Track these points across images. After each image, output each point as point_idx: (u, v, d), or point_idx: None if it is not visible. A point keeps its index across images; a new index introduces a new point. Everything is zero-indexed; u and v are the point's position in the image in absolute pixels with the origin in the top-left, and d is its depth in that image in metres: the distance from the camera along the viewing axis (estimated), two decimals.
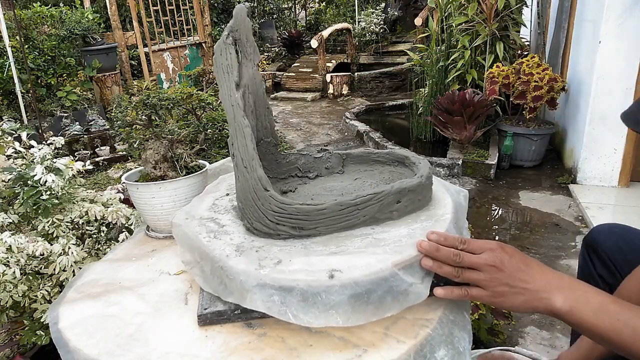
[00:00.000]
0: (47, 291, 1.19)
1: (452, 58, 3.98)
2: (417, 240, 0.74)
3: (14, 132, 1.44)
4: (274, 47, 9.13)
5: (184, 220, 0.93)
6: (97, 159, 4.23)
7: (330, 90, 6.94)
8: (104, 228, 1.41)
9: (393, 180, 0.98)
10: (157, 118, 1.30)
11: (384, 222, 0.84)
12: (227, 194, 1.04)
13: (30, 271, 1.20)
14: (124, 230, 1.39)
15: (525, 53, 3.91)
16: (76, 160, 1.40)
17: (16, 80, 4.04)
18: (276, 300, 0.70)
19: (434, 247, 0.72)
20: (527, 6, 3.92)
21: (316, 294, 0.68)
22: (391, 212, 0.85)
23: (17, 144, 1.40)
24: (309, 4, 11.17)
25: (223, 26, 7.55)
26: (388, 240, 0.78)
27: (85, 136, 4.41)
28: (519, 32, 3.93)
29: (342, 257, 0.73)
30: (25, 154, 1.39)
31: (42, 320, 1.18)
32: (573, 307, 0.68)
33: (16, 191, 1.23)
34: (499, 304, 0.72)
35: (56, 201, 1.22)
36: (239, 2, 8.65)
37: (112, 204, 1.41)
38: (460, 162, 3.42)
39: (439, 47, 4.23)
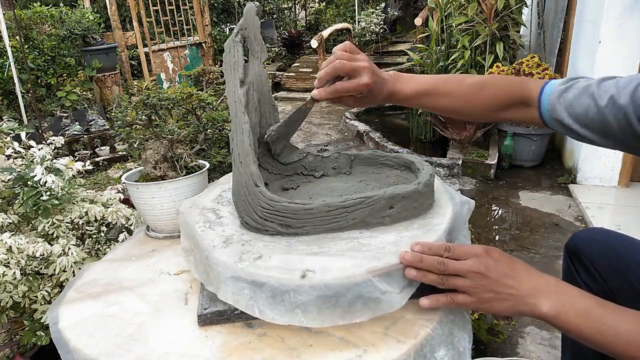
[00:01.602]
0: (47, 292, 1.19)
1: (452, 58, 3.98)
2: (400, 251, 0.72)
3: (12, 132, 1.44)
4: (274, 47, 9.12)
5: (187, 208, 0.96)
6: (97, 159, 4.23)
7: None
8: (104, 228, 1.41)
9: (397, 185, 0.98)
10: (157, 118, 1.30)
11: (374, 227, 0.83)
12: None
13: (30, 272, 1.20)
14: (123, 230, 1.39)
15: (525, 53, 3.91)
16: (76, 161, 1.40)
17: (16, 80, 4.04)
18: (245, 294, 0.71)
19: (418, 258, 0.71)
20: (527, 6, 3.92)
21: (285, 292, 0.69)
22: (383, 218, 0.83)
23: (16, 144, 1.40)
24: (309, 4, 11.17)
25: (223, 26, 7.56)
26: (371, 246, 0.77)
27: (85, 136, 4.41)
28: (519, 32, 3.93)
29: (319, 258, 0.73)
30: (25, 154, 1.39)
31: (42, 320, 1.18)
32: (559, 312, 0.69)
33: (16, 191, 1.23)
34: (485, 310, 0.72)
35: (56, 202, 1.22)
36: (239, 2, 8.67)
37: (112, 204, 1.41)
38: (460, 162, 3.42)
39: (439, 47, 4.22)
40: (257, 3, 0.97)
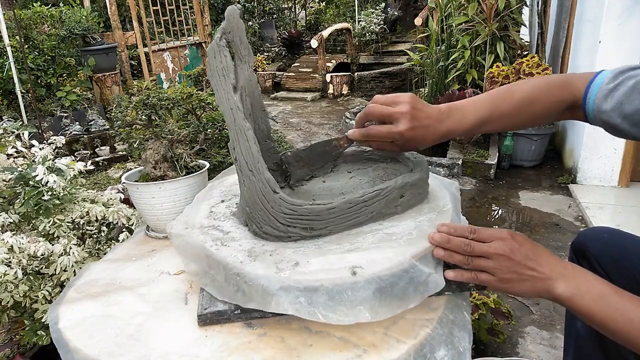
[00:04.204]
0: (47, 291, 1.19)
1: (452, 58, 3.98)
2: (429, 233, 0.77)
3: (15, 131, 1.44)
4: (274, 47, 9.13)
5: (184, 230, 0.90)
6: (97, 159, 4.23)
7: (330, 90, 6.94)
8: (104, 228, 1.41)
9: (388, 176, 0.99)
10: (157, 118, 1.30)
11: (389, 217, 0.86)
12: (222, 201, 1.02)
13: (31, 271, 1.20)
14: (124, 230, 1.39)
15: (525, 53, 3.91)
16: (76, 161, 1.40)
17: (16, 80, 4.04)
18: (303, 302, 0.70)
19: (446, 239, 0.75)
20: (527, 6, 3.92)
21: (342, 292, 0.69)
22: (396, 207, 0.87)
23: (18, 143, 1.40)
24: (309, 4, 11.17)
25: None
26: (398, 234, 0.79)
27: (85, 136, 4.41)
28: (519, 32, 3.93)
29: (359, 254, 0.74)
30: (26, 154, 1.39)
31: (42, 320, 1.18)
32: (574, 295, 0.71)
33: (17, 191, 1.23)
34: (506, 289, 0.75)
35: (57, 201, 1.22)
36: (239, 2, 8.67)
37: (112, 204, 1.41)
38: (460, 162, 3.42)
39: (439, 47, 4.23)
40: (239, 5, 0.95)
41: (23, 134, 1.45)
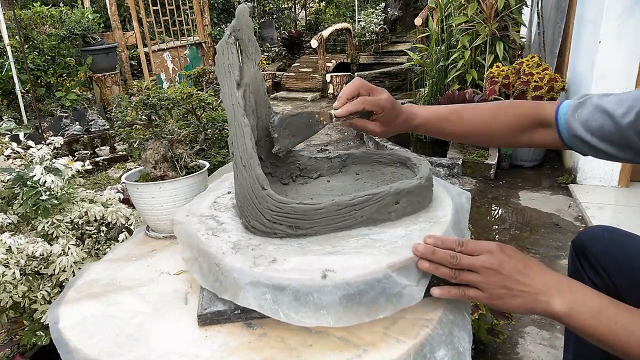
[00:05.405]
0: (47, 291, 1.19)
1: (452, 58, 3.98)
2: (413, 243, 0.73)
3: (9, 132, 1.44)
4: (274, 47, 9.12)
5: (184, 217, 0.94)
6: (97, 159, 4.23)
7: (330, 90, 6.94)
8: (103, 228, 1.41)
9: (394, 181, 0.98)
10: (157, 118, 1.30)
11: (381, 223, 0.84)
12: (229, 192, 1.04)
13: (30, 272, 1.20)
14: (123, 230, 1.39)
15: (519, 53, 3.91)
16: (76, 160, 1.39)
17: (16, 80, 4.04)
18: (268, 299, 0.70)
19: (430, 250, 0.72)
20: (527, 6, 3.92)
21: (308, 294, 0.69)
22: (389, 213, 0.84)
23: (14, 144, 1.40)
24: (309, 4, 11.17)
25: (223, 26, 7.55)
26: (384, 241, 0.77)
27: (85, 136, 4.41)
28: (518, 32, 3.93)
29: (336, 257, 0.73)
30: (24, 155, 1.39)
31: (42, 320, 1.18)
32: (571, 310, 0.69)
33: (15, 192, 1.23)
34: (496, 306, 0.72)
35: (55, 201, 1.22)
36: (239, 2, 8.67)
37: (111, 204, 1.41)
38: (460, 162, 3.42)
39: (439, 47, 4.23)
40: (250, 4, 0.96)
41: (19, 134, 1.45)
